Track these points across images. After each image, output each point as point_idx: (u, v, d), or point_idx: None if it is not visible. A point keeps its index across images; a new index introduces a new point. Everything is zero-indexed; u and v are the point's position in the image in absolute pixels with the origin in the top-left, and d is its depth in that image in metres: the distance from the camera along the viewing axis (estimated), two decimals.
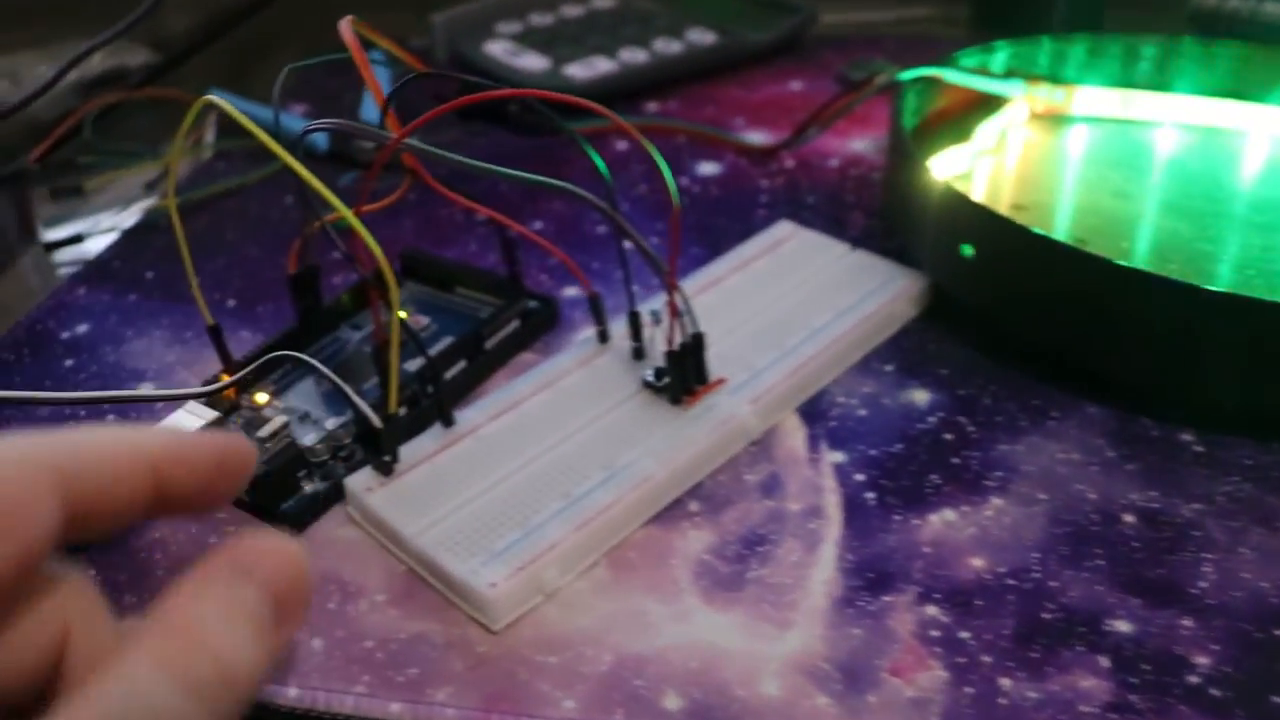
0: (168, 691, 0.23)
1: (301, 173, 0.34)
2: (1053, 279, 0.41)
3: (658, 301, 0.45)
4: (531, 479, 0.38)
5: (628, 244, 0.41)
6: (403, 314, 0.45)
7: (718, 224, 0.55)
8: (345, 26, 0.40)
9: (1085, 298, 0.41)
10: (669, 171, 0.37)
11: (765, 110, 0.68)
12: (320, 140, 0.64)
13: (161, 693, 0.23)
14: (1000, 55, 0.57)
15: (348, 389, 0.37)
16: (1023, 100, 0.56)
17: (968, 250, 0.43)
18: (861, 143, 0.63)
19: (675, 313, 0.39)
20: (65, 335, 0.51)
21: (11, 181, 0.68)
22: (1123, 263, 0.39)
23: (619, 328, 0.44)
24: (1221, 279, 0.44)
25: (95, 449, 0.26)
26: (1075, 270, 0.40)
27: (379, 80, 0.71)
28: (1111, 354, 0.41)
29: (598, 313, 0.44)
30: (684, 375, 0.40)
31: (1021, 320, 0.43)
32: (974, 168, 0.52)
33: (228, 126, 0.68)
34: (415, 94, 0.39)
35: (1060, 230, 0.47)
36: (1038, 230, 0.41)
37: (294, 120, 0.66)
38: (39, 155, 0.68)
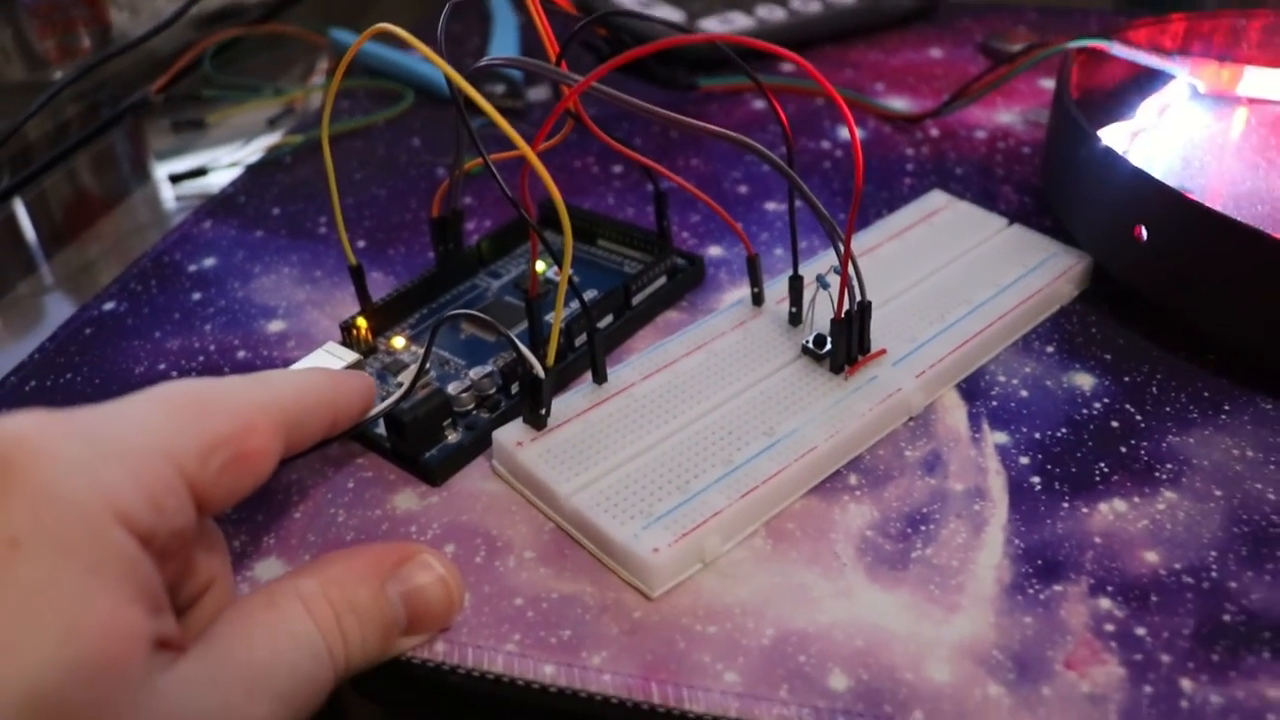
0: (315, 637, 0.28)
1: (492, 113, 0.33)
2: (1235, 266, 0.39)
3: (809, 265, 0.43)
4: (690, 442, 0.37)
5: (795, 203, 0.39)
6: (541, 265, 0.44)
7: (864, 191, 0.53)
8: None
9: (1265, 286, 0.39)
10: (856, 140, 0.36)
11: (905, 77, 0.66)
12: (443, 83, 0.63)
13: (313, 637, 0.28)
14: (1172, 28, 0.55)
15: (513, 337, 0.36)
16: (1187, 78, 0.54)
17: (1142, 231, 0.41)
18: (1008, 115, 0.61)
19: (846, 279, 0.37)
20: (192, 268, 0.51)
21: (133, 112, 0.68)
22: None
23: (771, 291, 0.43)
24: None
25: (303, 398, 0.31)
26: (1258, 256, 0.38)
27: (506, 23, 0.70)
28: None
29: (755, 275, 0.42)
30: (848, 344, 0.39)
31: (1197, 308, 0.41)
32: (1134, 146, 0.50)
33: (350, 65, 0.67)
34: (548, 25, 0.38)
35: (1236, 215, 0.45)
36: (1224, 213, 0.39)
37: (417, 62, 0.65)
38: (160, 87, 0.67)
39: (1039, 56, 0.53)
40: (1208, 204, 0.39)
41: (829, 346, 0.39)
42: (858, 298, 0.38)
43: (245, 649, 0.27)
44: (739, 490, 0.35)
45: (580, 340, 0.42)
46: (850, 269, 0.37)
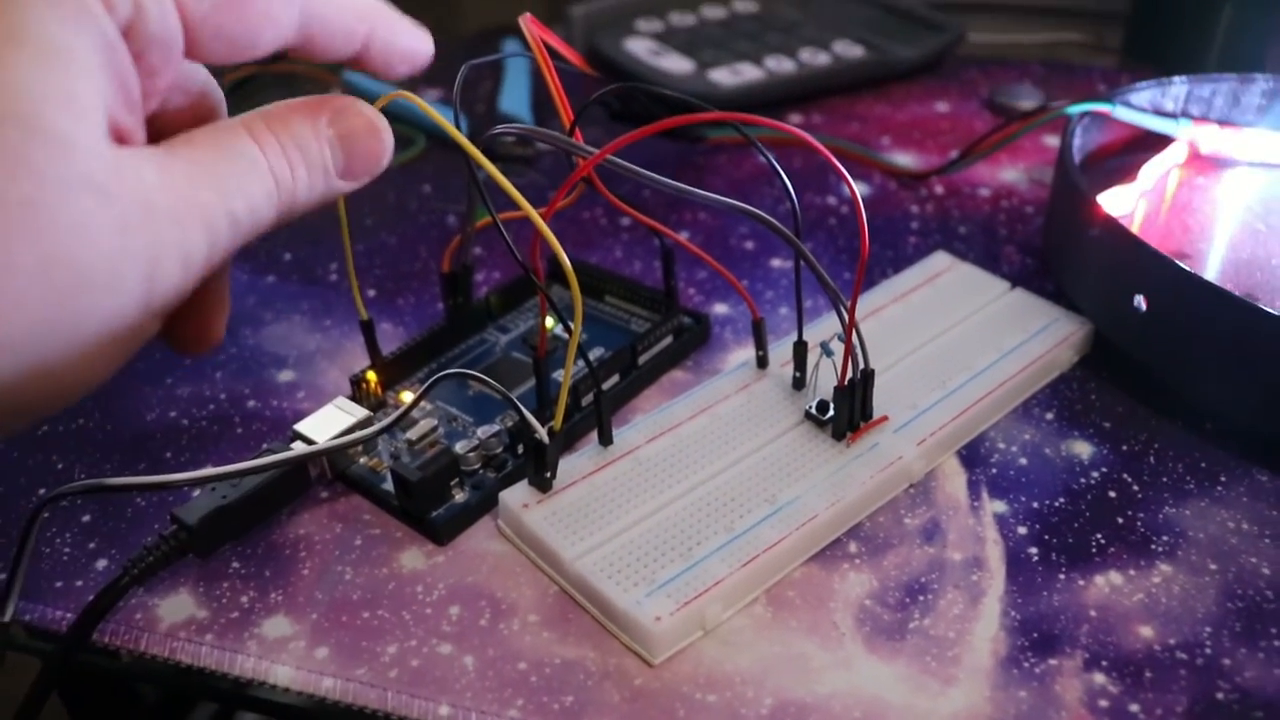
0: (258, 158, 0.29)
1: (493, 173, 0.33)
2: (1231, 338, 0.40)
3: (812, 328, 0.44)
4: (693, 508, 0.37)
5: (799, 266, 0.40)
6: (550, 321, 0.45)
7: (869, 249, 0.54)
8: (530, 24, 0.40)
9: (1263, 360, 0.39)
10: (860, 209, 0.36)
11: (911, 131, 0.67)
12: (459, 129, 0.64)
13: (259, 160, 0.29)
14: (1174, 90, 0.56)
15: (516, 402, 0.37)
16: (1187, 141, 0.55)
17: (1139, 301, 0.42)
18: (1013, 173, 0.62)
19: (849, 347, 0.38)
20: None
21: None
22: None
23: (775, 353, 0.43)
24: None
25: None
26: (1256, 331, 0.39)
27: (518, 70, 0.71)
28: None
29: (760, 338, 0.43)
30: (850, 411, 0.40)
31: (1193, 378, 0.42)
32: (1135, 210, 0.51)
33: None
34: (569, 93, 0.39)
35: (1223, 282, 0.45)
36: (1223, 286, 0.39)
37: (438, 108, 0.66)
38: None
39: (1043, 119, 0.54)
40: (1207, 271, 0.39)
41: (831, 413, 0.40)
42: (860, 365, 0.39)
43: (191, 149, 0.28)
44: (740, 559, 0.35)
45: (587, 399, 0.42)
46: (854, 337, 0.38)
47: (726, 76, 0.68)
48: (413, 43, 0.32)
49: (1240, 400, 0.41)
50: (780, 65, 0.69)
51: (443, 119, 0.34)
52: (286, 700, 0.34)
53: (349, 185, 0.32)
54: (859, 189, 0.60)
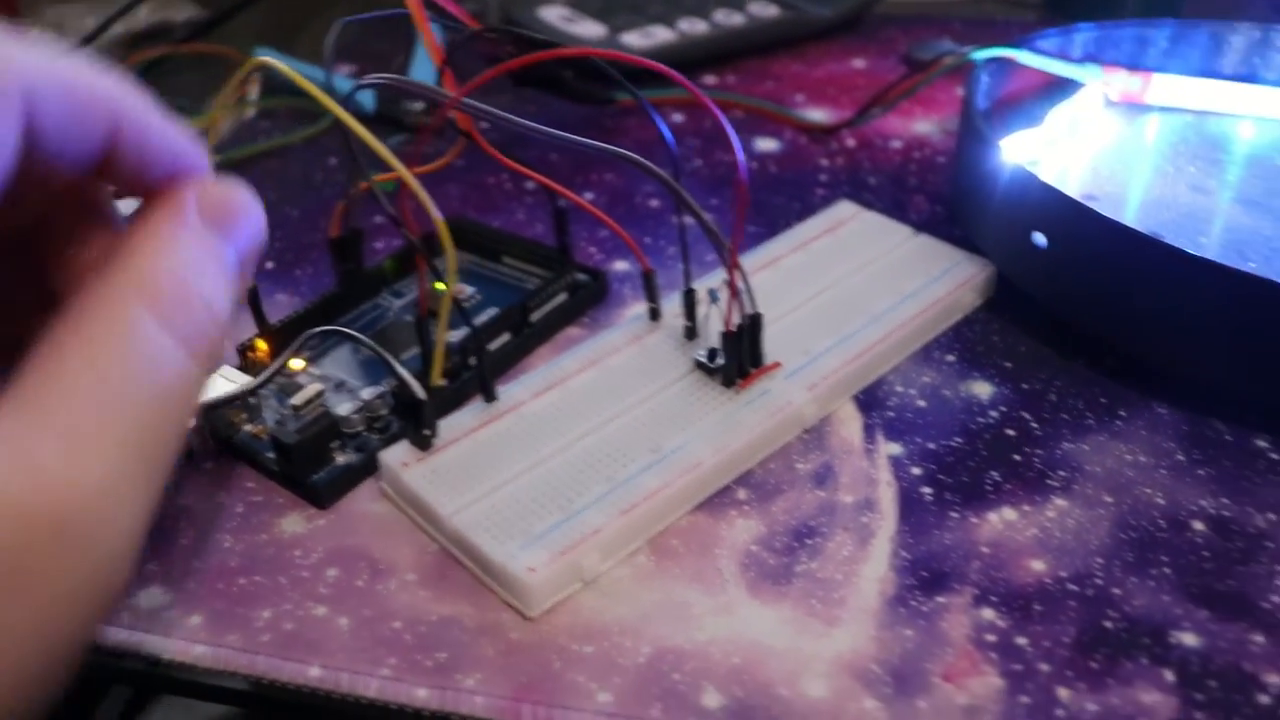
0: (172, 346, 0.24)
1: (358, 129, 0.32)
2: (1129, 271, 0.39)
3: (711, 279, 0.43)
4: (575, 460, 0.37)
5: (686, 218, 0.39)
6: (440, 285, 0.44)
7: (775, 202, 0.53)
8: None
9: (1161, 292, 0.39)
10: (739, 144, 0.36)
11: (826, 88, 0.66)
12: (367, 101, 0.63)
13: (167, 347, 0.24)
14: (1081, 38, 0.55)
15: (390, 358, 0.36)
16: (1099, 87, 0.54)
17: (1039, 238, 0.41)
18: (926, 125, 0.61)
19: (735, 292, 0.37)
20: None
21: None
22: (1203, 255, 0.37)
23: (670, 305, 0.42)
24: None
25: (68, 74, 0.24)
26: (1153, 263, 0.38)
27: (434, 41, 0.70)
28: (1185, 352, 0.39)
29: (651, 290, 0.42)
30: (739, 358, 0.39)
31: (1093, 314, 0.41)
32: (1044, 155, 0.50)
33: (272, 85, 0.67)
34: (467, 58, 0.37)
35: (1131, 222, 0.45)
36: (1116, 219, 0.39)
37: (342, 81, 0.65)
38: None
39: (946, 67, 0.53)
40: (1115, 212, 0.39)
41: (720, 360, 0.39)
42: (749, 310, 0.38)
43: (55, 393, 0.22)
44: (620, 508, 0.34)
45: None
46: (740, 282, 0.37)
47: (638, 39, 0.67)
48: (172, 144, 0.27)
49: (1137, 334, 0.40)
50: (694, 27, 0.68)
51: (304, 80, 0.33)
52: (174, 675, 0.33)
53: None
54: (770, 145, 0.59)
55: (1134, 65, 0.55)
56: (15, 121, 0.23)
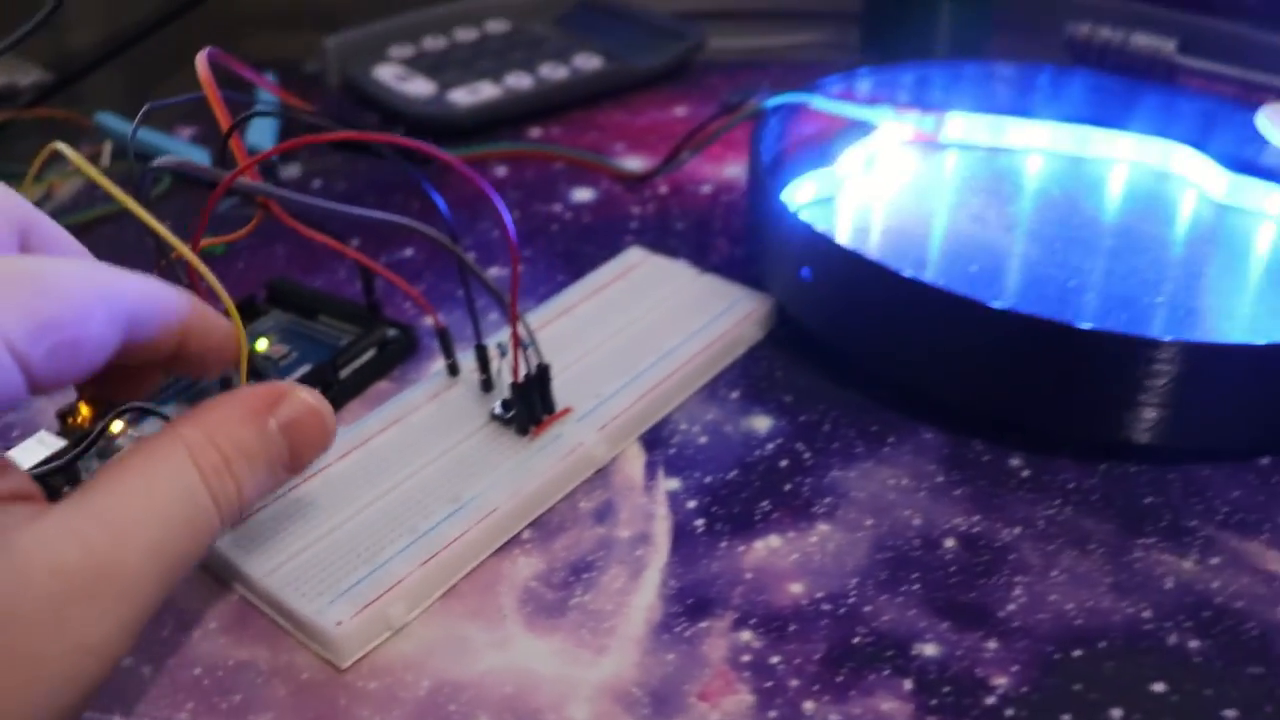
0: (209, 505, 0.30)
1: (138, 212, 0.34)
2: (881, 303, 0.42)
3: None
4: (380, 515, 0.39)
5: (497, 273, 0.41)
6: (263, 343, 0.46)
7: (586, 251, 0.56)
8: (201, 61, 0.41)
9: (910, 322, 0.42)
10: (505, 211, 0.38)
11: (647, 136, 0.69)
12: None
13: (205, 505, 0.29)
14: (865, 82, 0.58)
15: None
16: (892, 126, 0.57)
17: (806, 273, 0.44)
18: (736, 169, 0.64)
19: (517, 345, 0.40)
20: None
21: None
22: (946, 287, 0.40)
23: (469, 360, 0.45)
24: (1063, 303, 0.45)
25: (150, 298, 0.30)
26: (901, 294, 0.41)
27: (268, 108, 0.71)
28: (940, 378, 0.43)
29: (446, 346, 0.44)
30: (530, 406, 0.41)
31: (856, 344, 0.45)
32: (839, 192, 0.53)
33: (120, 150, 0.68)
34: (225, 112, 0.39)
35: (913, 254, 0.48)
36: (863, 253, 0.42)
37: (180, 145, 0.67)
38: None
39: (743, 114, 0.56)
40: (894, 245, 0.42)
41: (514, 411, 0.42)
42: (535, 361, 0.41)
43: (116, 498, 0.28)
44: (421, 557, 0.37)
45: None
46: (524, 333, 0.40)
47: (465, 96, 0.69)
48: (224, 339, 0.34)
49: (895, 361, 0.44)
50: (519, 81, 0.71)
51: (90, 167, 0.34)
52: None
53: (295, 473, 0.33)
54: (586, 195, 0.62)
55: (928, 105, 0.59)
56: (114, 337, 0.28)
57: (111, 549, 0.27)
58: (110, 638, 0.27)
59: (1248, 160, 0.55)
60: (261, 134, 0.69)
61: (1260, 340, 0.39)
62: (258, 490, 0.31)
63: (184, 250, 0.35)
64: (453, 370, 0.45)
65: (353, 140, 0.40)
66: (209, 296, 0.34)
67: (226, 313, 0.34)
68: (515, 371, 0.40)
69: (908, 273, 0.41)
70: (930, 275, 0.47)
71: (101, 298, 0.28)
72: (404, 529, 0.38)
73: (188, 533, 0.29)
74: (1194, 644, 0.35)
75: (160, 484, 0.29)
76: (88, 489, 0.28)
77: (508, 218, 0.38)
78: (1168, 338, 0.38)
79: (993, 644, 0.35)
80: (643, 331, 0.47)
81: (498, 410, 0.42)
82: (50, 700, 0.26)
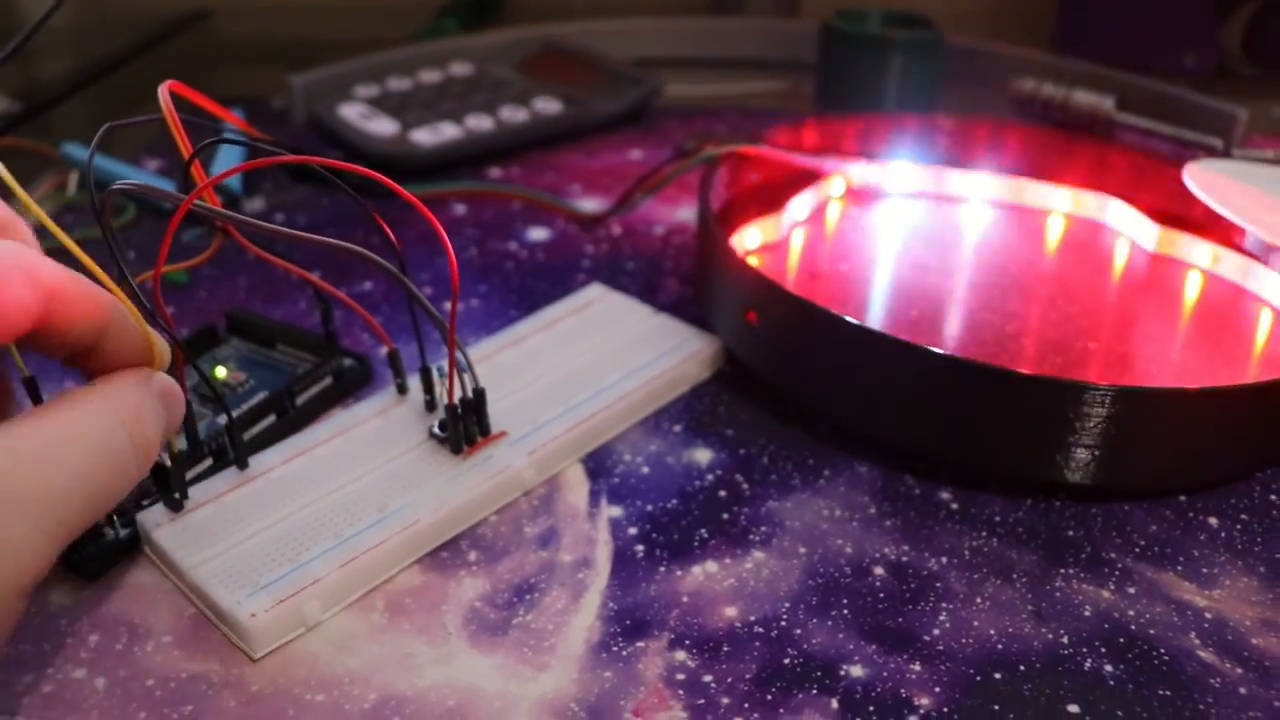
0: (125, 436, 0.32)
1: (74, 250, 0.34)
2: (822, 346, 0.44)
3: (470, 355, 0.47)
4: (311, 519, 0.40)
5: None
6: (222, 371, 0.47)
7: (540, 288, 0.57)
8: (163, 90, 0.42)
9: (851, 364, 0.44)
10: (449, 248, 0.40)
11: (603, 178, 0.71)
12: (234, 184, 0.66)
13: (119, 433, 0.32)
14: (813, 131, 0.61)
15: None
16: (839, 174, 0.59)
17: (751, 316, 0.46)
18: (688, 211, 0.66)
19: (452, 369, 0.41)
20: None
21: None
22: (884, 332, 0.42)
23: (417, 381, 0.46)
24: (1000, 347, 0.48)
25: (74, 279, 0.32)
26: (841, 337, 0.43)
27: (235, 135, 0.73)
28: (877, 417, 0.44)
29: (396, 366, 0.46)
30: (464, 427, 0.43)
31: (797, 385, 0.46)
32: (787, 237, 0.55)
33: (85, 180, 0.69)
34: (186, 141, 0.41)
35: (856, 298, 0.50)
36: (804, 298, 0.44)
37: (145, 176, 0.68)
38: None
39: (696, 158, 0.58)
40: (840, 288, 0.44)
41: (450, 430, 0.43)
42: (472, 385, 0.43)
43: (42, 426, 0.30)
44: (341, 560, 0.38)
45: (250, 433, 0.45)
46: (460, 358, 0.42)
47: (427, 136, 0.71)
48: (142, 349, 0.35)
49: (834, 400, 0.45)
50: (480, 123, 0.73)
51: (28, 198, 0.35)
52: None
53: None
54: (541, 234, 0.63)
55: (873, 155, 0.61)
56: (33, 303, 0.30)
57: (37, 466, 0.29)
58: (37, 549, 0.29)
59: (1176, 213, 0.57)
60: (227, 165, 0.70)
61: (1186, 385, 0.41)
62: (161, 438, 0.34)
63: (114, 288, 0.35)
64: (401, 389, 0.47)
65: (314, 168, 0.42)
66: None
67: (169, 334, 0.36)
68: (450, 394, 0.42)
69: (848, 317, 0.43)
70: (873, 319, 0.49)
71: (22, 268, 0.30)
72: (329, 533, 0.40)
73: (107, 466, 0.31)
74: (1108, 668, 0.36)
75: (81, 421, 0.31)
76: (15, 420, 0.30)
77: (450, 248, 0.39)
78: (1098, 383, 0.40)
79: (917, 666, 0.36)
80: (588, 365, 0.49)
81: (435, 429, 0.44)
82: None
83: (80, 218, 0.67)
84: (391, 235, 0.42)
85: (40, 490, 0.29)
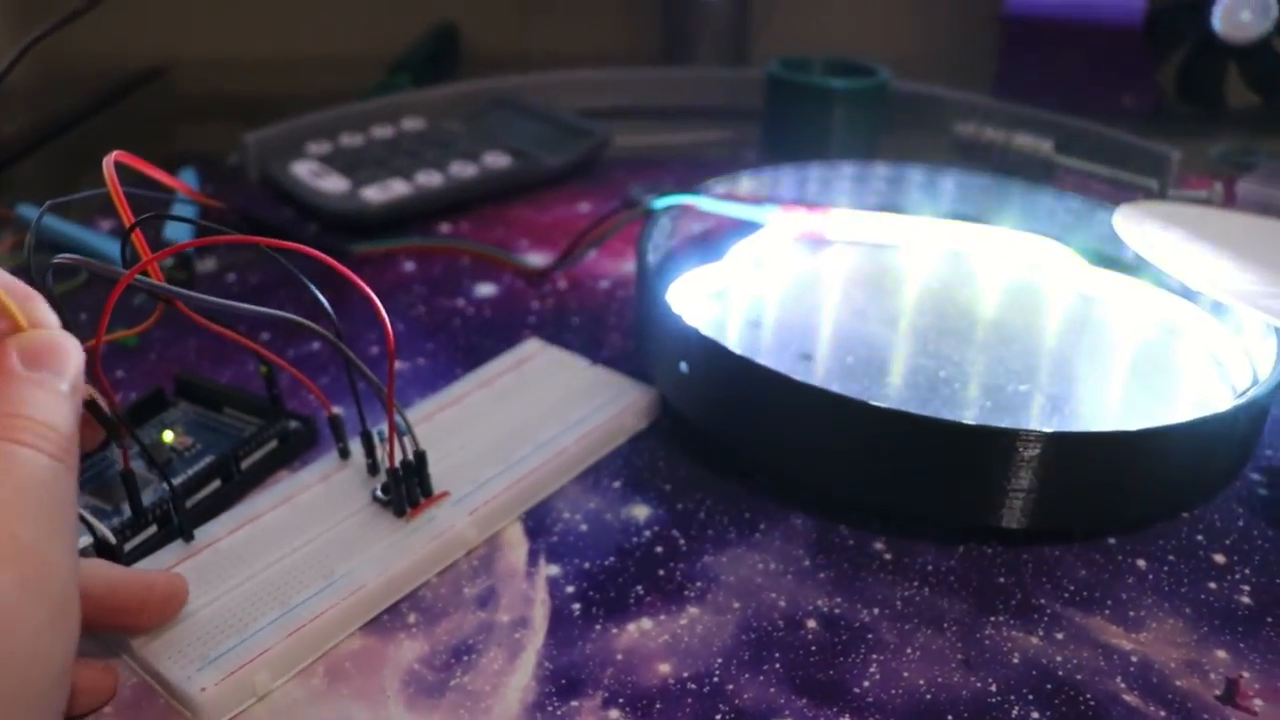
0: (29, 455, 0.31)
1: (17, 316, 0.36)
2: (751, 396, 0.45)
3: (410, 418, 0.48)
4: (257, 589, 0.41)
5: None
6: (170, 435, 0.48)
7: (486, 345, 0.58)
8: (108, 163, 0.42)
9: (780, 414, 0.44)
10: (382, 310, 0.40)
11: (552, 232, 0.72)
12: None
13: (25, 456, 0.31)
14: (752, 181, 0.62)
15: (85, 513, 0.40)
16: (778, 223, 0.60)
17: (683, 366, 0.47)
18: (634, 264, 0.66)
19: (392, 432, 0.42)
20: None
21: None
22: (809, 382, 0.43)
23: (360, 445, 0.47)
24: (934, 392, 0.48)
25: None
26: (769, 388, 0.44)
27: (184, 207, 0.74)
28: (809, 467, 0.45)
29: (337, 431, 0.47)
30: (406, 490, 0.44)
31: (730, 434, 0.47)
32: (728, 286, 0.56)
33: (42, 241, 0.69)
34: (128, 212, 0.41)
35: (794, 346, 0.51)
36: (731, 348, 0.45)
37: (97, 238, 0.69)
38: None
39: (635, 211, 0.59)
40: (778, 335, 0.45)
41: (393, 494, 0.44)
42: (413, 448, 0.43)
43: None
44: (288, 629, 0.39)
45: (196, 499, 0.46)
46: (400, 421, 0.42)
47: (377, 194, 0.72)
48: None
49: (768, 450, 0.46)
50: (430, 179, 0.74)
51: None
52: None
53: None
54: (489, 290, 0.64)
55: (812, 203, 0.62)
56: None
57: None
58: (38, 606, 0.29)
59: (1110, 255, 0.58)
60: (179, 230, 0.71)
61: (1118, 426, 0.42)
62: (72, 426, 0.33)
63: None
64: (344, 454, 0.47)
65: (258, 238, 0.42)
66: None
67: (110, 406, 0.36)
68: (390, 457, 0.43)
69: (775, 368, 0.44)
70: (811, 368, 0.50)
71: None
72: (276, 602, 0.40)
73: (49, 486, 0.31)
74: (1035, 715, 0.37)
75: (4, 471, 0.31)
76: None
77: (384, 318, 0.40)
78: (1031, 428, 0.41)
79: (846, 718, 0.37)
80: (527, 420, 0.49)
81: (378, 493, 0.45)
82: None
83: (30, 279, 0.67)
84: (326, 304, 0.42)
85: (13, 545, 0.29)
